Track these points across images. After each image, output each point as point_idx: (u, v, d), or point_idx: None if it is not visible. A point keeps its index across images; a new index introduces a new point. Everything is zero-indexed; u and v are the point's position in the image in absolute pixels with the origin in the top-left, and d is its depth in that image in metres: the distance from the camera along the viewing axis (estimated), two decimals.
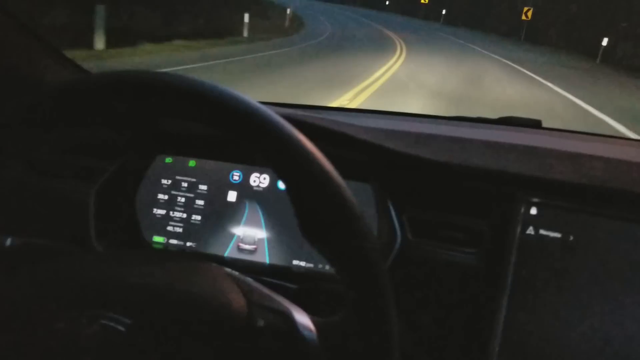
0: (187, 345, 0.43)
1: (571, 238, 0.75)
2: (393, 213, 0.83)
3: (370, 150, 0.82)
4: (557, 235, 0.76)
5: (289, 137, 0.42)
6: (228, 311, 0.45)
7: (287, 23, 18.31)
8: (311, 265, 0.88)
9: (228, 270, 0.51)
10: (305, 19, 22.80)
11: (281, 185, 0.89)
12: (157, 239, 0.92)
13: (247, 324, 0.45)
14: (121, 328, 0.41)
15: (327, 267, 0.86)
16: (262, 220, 0.90)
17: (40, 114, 0.44)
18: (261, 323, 0.45)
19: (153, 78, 0.44)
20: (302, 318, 0.47)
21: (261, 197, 0.90)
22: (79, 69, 0.95)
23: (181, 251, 0.92)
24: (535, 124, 1.13)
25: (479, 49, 19.74)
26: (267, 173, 0.90)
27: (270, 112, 0.43)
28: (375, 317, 0.42)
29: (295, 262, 0.88)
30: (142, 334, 0.42)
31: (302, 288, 0.85)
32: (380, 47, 15.27)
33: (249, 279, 0.51)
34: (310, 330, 0.46)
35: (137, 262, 0.51)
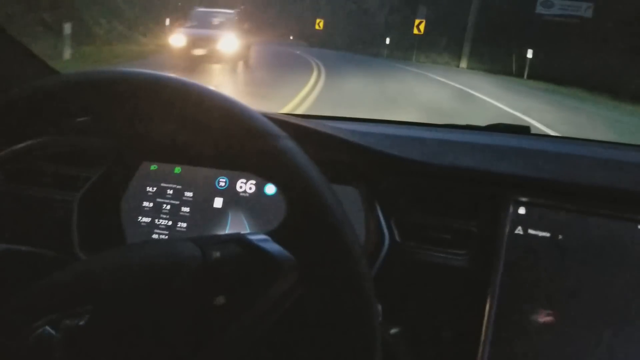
0: (153, 308, 0.42)
1: (560, 237, 0.74)
2: (381, 216, 0.82)
3: (358, 153, 0.82)
4: (546, 234, 0.75)
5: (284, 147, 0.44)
6: (181, 258, 0.45)
7: None
8: None
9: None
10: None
11: (268, 190, 0.88)
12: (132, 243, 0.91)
13: (203, 261, 0.45)
14: (81, 322, 0.41)
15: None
16: (248, 226, 0.88)
17: (12, 117, 0.44)
18: (217, 254, 0.45)
19: (139, 77, 0.44)
20: (255, 235, 0.48)
21: (248, 203, 0.89)
22: (49, 69, 0.94)
23: None
24: (523, 130, 1.14)
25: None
26: (254, 179, 0.89)
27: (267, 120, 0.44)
28: (312, 207, 0.43)
29: None
30: (104, 318, 0.42)
31: None
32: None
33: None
34: (265, 240, 0.47)
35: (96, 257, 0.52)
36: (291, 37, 41.93)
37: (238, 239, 0.48)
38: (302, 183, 0.43)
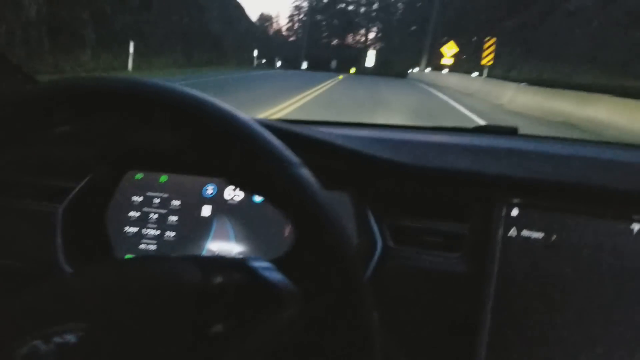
0: (148, 330, 0.41)
1: (554, 238, 0.74)
2: (372, 221, 0.81)
3: (347, 157, 0.81)
4: (540, 235, 0.75)
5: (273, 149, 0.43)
6: (181, 282, 0.44)
7: None
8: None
9: (173, 256, 0.50)
10: None
11: (257, 197, 0.87)
12: (129, 257, 0.88)
13: (204, 286, 0.43)
14: (73, 340, 0.39)
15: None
16: (237, 234, 0.87)
17: None
18: (219, 280, 0.44)
19: (127, 84, 0.42)
20: (258, 262, 0.47)
21: (237, 211, 0.87)
22: (29, 78, 0.91)
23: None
24: (511, 132, 1.14)
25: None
26: None
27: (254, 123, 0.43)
28: (318, 230, 0.42)
29: None
30: (98, 336, 0.40)
31: None
32: None
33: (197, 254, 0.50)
34: (269, 268, 0.46)
35: (89, 271, 0.49)
36: None
37: (241, 265, 0.46)
38: (316, 219, 0.42)
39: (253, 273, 0.45)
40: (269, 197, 0.43)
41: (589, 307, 0.72)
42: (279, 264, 0.46)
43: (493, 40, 20.10)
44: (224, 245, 0.86)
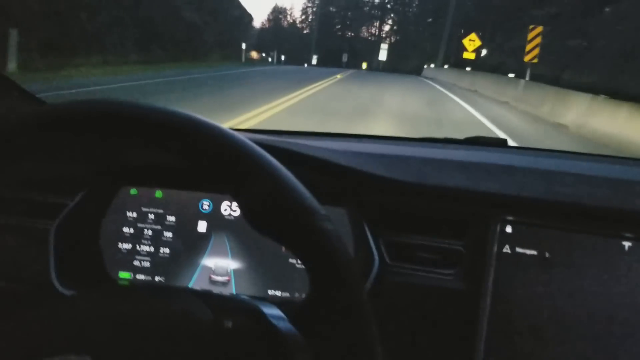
0: None
1: (547, 255, 0.75)
2: (370, 237, 0.81)
3: (345, 174, 0.81)
4: (534, 252, 0.75)
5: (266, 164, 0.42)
6: (192, 321, 0.43)
7: None
8: (287, 294, 0.85)
9: (185, 287, 0.49)
10: None
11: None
12: (124, 274, 0.88)
13: (214, 328, 0.43)
14: None
15: (305, 295, 0.84)
16: (234, 251, 0.86)
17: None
18: (229, 324, 0.43)
19: (120, 107, 0.42)
20: (270, 309, 0.46)
21: (234, 226, 0.87)
22: (35, 100, 0.92)
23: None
24: (501, 143, 1.16)
25: None
26: None
27: (245, 139, 0.42)
28: (338, 287, 0.42)
29: (270, 291, 0.85)
30: None
31: None
32: None
33: (210, 291, 0.49)
34: (281, 318, 0.45)
35: (94, 298, 0.48)
36: None
37: (253, 311, 0.46)
38: (338, 278, 0.41)
39: (264, 321, 0.44)
40: (288, 244, 0.42)
41: (582, 323, 0.73)
42: (292, 313, 0.46)
43: (539, 29, 14.37)
44: (220, 261, 0.86)
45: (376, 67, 55.49)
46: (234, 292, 0.85)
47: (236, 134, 0.43)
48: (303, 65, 50.74)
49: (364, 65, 57.86)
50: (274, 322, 0.44)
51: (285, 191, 0.41)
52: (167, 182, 0.89)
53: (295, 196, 0.41)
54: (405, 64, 54.55)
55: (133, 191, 0.89)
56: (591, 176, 0.84)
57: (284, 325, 0.44)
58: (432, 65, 39.96)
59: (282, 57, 55.98)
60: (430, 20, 61.51)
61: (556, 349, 0.73)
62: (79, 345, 0.40)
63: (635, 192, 0.79)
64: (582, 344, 0.72)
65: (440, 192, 0.80)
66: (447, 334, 0.79)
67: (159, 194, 0.89)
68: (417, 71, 41.30)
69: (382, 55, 54.17)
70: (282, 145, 0.79)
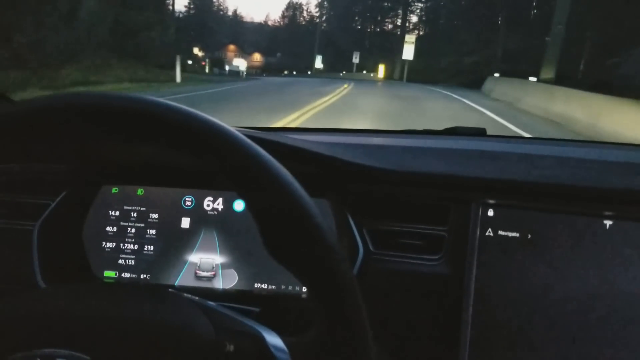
0: None
1: (529, 236, 0.76)
2: (353, 226, 0.82)
3: (324, 164, 0.81)
4: (516, 234, 0.77)
5: (254, 153, 0.41)
6: (194, 338, 0.42)
7: None
8: (274, 287, 0.85)
9: (189, 296, 0.48)
10: None
11: (237, 207, 0.86)
12: (108, 273, 0.87)
13: (215, 350, 0.42)
14: None
15: (291, 287, 0.84)
16: (219, 245, 0.86)
17: None
18: (231, 348, 0.43)
19: (106, 100, 0.41)
20: (274, 339, 0.45)
21: (217, 221, 0.87)
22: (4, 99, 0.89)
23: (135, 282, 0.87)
24: (480, 132, 1.17)
25: None
26: (222, 196, 0.87)
27: (233, 130, 0.41)
28: (348, 331, 0.40)
29: (257, 285, 0.85)
30: None
31: (266, 310, 0.82)
32: None
33: (213, 304, 0.48)
34: (282, 351, 0.44)
35: (91, 295, 0.47)
36: None
37: (256, 339, 0.45)
38: (348, 324, 0.40)
39: (266, 352, 0.43)
40: (302, 278, 0.41)
41: (567, 303, 0.74)
42: (295, 347, 0.45)
43: None
44: (206, 256, 0.86)
45: (400, 74, 37.17)
46: (221, 286, 0.85)
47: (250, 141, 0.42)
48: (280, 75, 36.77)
49: (380, 72, 39.60)
50: (275, 353, 0.44)
51: (299, 215, 0.40)
52: (147, 180, 0.88)
53: (318, 235, 0.39)
54: (438, 68, 36.24)
55: (114, 189, 0.88)
56: (570, 158, 0.86)
57: (284, 357, 0.44)
58: (497, 75, 20.73)
59: (242, 65, 37.60)
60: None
61: (541, 328, 0.75)
62: (75, 345, 0.40)
63: (614, 171, 0.81)
64: (566, 322, 0.74)
65: (421, 178, 0.81)
66: (433, 317, 0.80)
67: (140, 191, 0.88)
68: (471, 82, 23.26)
69: (408, 53, 34.64)
70: (261, 136, 0.79)
